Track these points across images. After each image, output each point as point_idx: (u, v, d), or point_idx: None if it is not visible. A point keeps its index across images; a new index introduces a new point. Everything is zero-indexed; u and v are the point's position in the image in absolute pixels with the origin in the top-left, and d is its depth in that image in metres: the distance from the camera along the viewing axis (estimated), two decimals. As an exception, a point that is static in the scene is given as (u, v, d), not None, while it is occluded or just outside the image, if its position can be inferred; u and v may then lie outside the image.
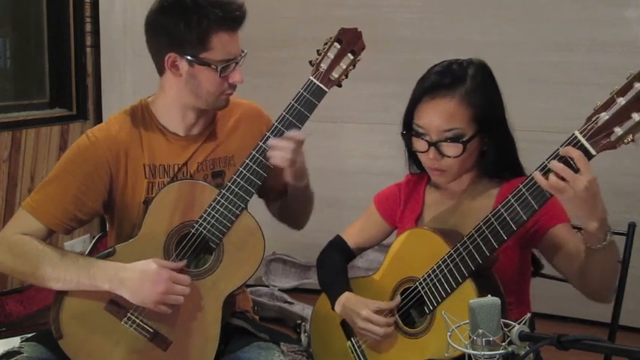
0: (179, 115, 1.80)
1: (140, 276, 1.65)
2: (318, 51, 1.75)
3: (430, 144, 1.65)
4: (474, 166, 1.72)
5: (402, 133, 1.73)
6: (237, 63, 1.73)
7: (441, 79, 1.66)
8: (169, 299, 1.66)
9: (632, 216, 1.86)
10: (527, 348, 1.20)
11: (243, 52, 1.76)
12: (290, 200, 1.91)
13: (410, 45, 3.48)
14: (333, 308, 1.81)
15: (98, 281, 1.66)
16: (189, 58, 1.70)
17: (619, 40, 3.18)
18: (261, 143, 1.72)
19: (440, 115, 1.64)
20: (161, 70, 1.77)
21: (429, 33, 3.46)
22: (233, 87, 1.76)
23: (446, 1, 3.47)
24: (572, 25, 3.25)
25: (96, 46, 3.45)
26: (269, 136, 1.72)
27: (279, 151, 1.69)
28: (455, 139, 1.63)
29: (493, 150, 1.69)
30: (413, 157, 1.79)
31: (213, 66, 1.69)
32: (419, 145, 1.69)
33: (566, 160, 1.41)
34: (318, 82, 1.73)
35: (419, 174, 1.85)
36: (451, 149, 1.65)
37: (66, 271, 1.68)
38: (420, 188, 1.84)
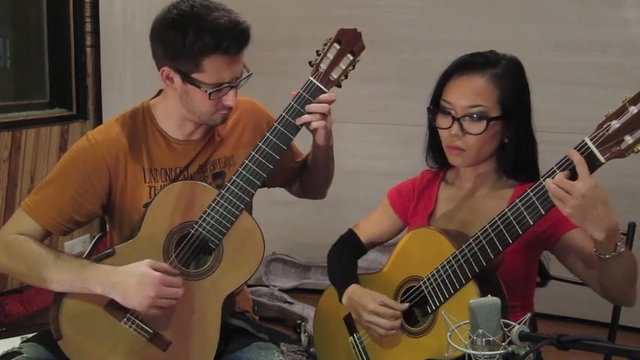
0: (178, 123, 1.79)
1: (131, 280, 1.64)
2: (317, 51, 1.75)
3: (454, 119, 1.67)
4: (491, 156, 1.72)
5: (429, 108, 1.75)
6: (232, 87, 1.70)
7: (475, 59, 1.70)
8: (160, 302, 1.65)
9: (631, 216, 1.86)
10: (527, 348, 1.20)
11: (247, 72, 1.72)
12: (315, 166, 1.92)
13: (410, 45, 3.48)
14: (340, 300, 1.81)
15: (90, 285, 1.66)
16: (181, 75, 1.68)
17: (619, 40, 3.18)
18: (260, 144, 1.72)
19: (468, 91, 1.66)
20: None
21: (429, 33, 3.46)
22: (228, 108, 1.74)
23: (446, 1, 3.47)
24: (572, 25, 3.25)
25: (96, 46, 3.45)
26: (269, 137, 1.72)
27: (316, 116, 1.71)
28: (479, 117, 1.65)
29: (513, 144, 1.70)
30: (433, 143, 1.80)
31: (203, 89, 1.67)
32: (443, 121, 1.70)
33: (573, 168, 1.42)
34: (317, 83, 1.73)
35: (434, 170, 1.86)
36: (474, 126, 1.65)
37: (59, 273, 1.68)
38: (434, 184, 1.85)
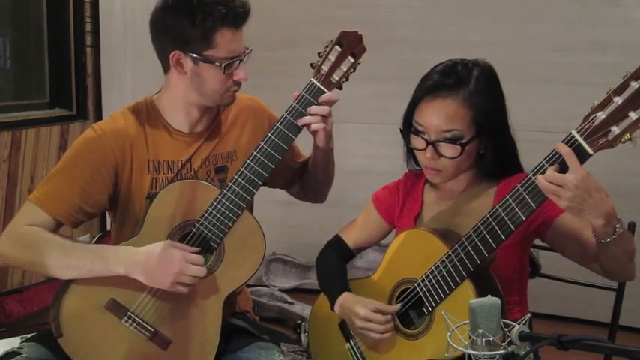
0: (183, 112, 1.80)
1: (154, 257, 1.65)
2: (319, 53, 1.76)
3: (428, 143, 1.65)
4: (471, 167, 1.72)
5: (401, 130, 1.73)
6: (241, 60, 1.74)
7: (445, 79, 1.65)
8: (184, 279, 1.66)
9: (631, 216, 1.86)
10: (527, 348, 1.20)
11: (247, 49, 1.76)
12: (315, 168, 1.93)
13: (410, 45, 3.48)
14: (332, 309, 1.81)
15: (112, 265, 1.66)
16: (193, 55, 1.71)
17: (619, 40, 3.18)
18: (262, 144, 1.72)
19: (440, 116, 1.63)
20: (166, 68, 1.78)
21: (429, 33, 3.46)
22: (238, 84, 1.77)
23: (446, 1, 3.47)
24: (572, 25, 3.25)
25: (96, 46, 3.46)
26: (270, 137, 1.72)
27: (316, 118, 1.72)
28: (453, 141, 1.63)
29: (491, 153, 1.69)
30: (412, 153, 1.79)
31: (217, 63, 1.70)
32: (417, 143, 1.69)
33: (562, 161, 1.42)
34: (319, 84, 1.74)
35: (417, 172, 1.85)
36: (449, 150, 1.64)
37: (79, 257, 1.68)
38: (418, 187, 1.84)
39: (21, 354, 1.68)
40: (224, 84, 1.74)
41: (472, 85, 1.64)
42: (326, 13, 3.43)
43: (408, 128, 1.71)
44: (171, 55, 1.72)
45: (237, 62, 1.73)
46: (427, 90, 1.66)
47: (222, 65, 1.70)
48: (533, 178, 1.46)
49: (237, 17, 1.70)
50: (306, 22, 3.52)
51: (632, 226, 1.87)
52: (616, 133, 1.37)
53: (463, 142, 1.63)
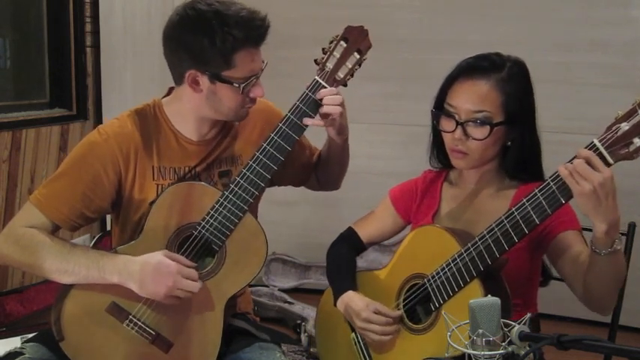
0: (194, 125, 1.78)
1: (148, 269, 1.64)
2: (323, 49, 1.73)
3: (458, 123, 1.67)
4: (494, 158, 1.73)
5: (432, 111, 1.75)
6: (257, 77, 1.71)
7: (480, 62, 1.70)
8: (178, 293, 1.65)
9: (632, 216, 1.86)
10: (527, 348, 1.20)
11: (263, 62, 1.73)
12: (330, 159, 1.93)
13: (410, 45, 3.48)
14: (335, 304, 1.81)
15: (107, 274, 1.66)
16: (211, 75, 1.68)
17: (619, 40, 3.18)
18: (265, 144, 1.71)
19: (472, 96, 1.66)
20: (179, 82, 1.74)
21: (429, 33, 3.46)
22: (254, 100, 1.75)
23: (446, 1, 3.47)
24: (572, 25, 3.25)
25: (96, 46, 3.46)
26: (273, 137, 1.71)
27: (332, 100, 1.70)
28: (483, 122, 1.65)
29: (517, 147, 1.70)
30: (436, 144, 1.80)
31: (235, 84, 1.68)
32: (446, 124, 1.70)
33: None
34: (323, 82, 1.72)
35: (437, 171, 1.86)
36: (478, 131, 1.66)
37: (75, 263, 1.67)
38: (437, 184, 1.85)
39: (24, 354, 1.68)
40: (241, 102, 1.72)
41: (505, 71, 1.68)
42: (326, 13, 3.42)
43: (439, 110, 1.72)
44: (187, 74, 1.69)
45: (254, 80, 1.70)
46: (461, 70, 1.70)
47: (241, 86, 1.68)
48: (552, 184, 1.47)
49: (258, 37, 1.68)
50: (306, 22, 3.51)
51: (632, 226, 1.87)
52: (637, 144, 1.39)
53: (492, 123, 1.65)
